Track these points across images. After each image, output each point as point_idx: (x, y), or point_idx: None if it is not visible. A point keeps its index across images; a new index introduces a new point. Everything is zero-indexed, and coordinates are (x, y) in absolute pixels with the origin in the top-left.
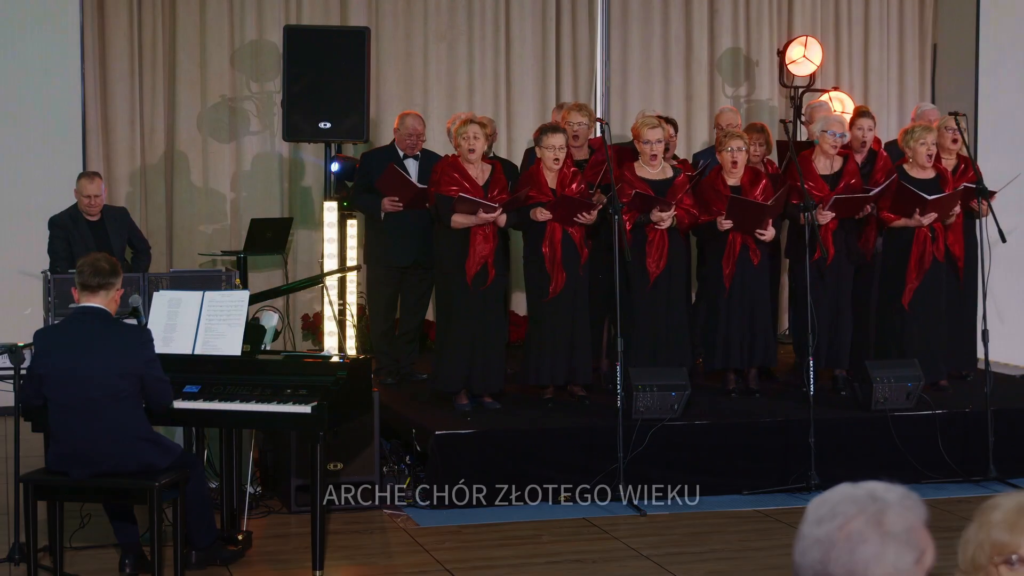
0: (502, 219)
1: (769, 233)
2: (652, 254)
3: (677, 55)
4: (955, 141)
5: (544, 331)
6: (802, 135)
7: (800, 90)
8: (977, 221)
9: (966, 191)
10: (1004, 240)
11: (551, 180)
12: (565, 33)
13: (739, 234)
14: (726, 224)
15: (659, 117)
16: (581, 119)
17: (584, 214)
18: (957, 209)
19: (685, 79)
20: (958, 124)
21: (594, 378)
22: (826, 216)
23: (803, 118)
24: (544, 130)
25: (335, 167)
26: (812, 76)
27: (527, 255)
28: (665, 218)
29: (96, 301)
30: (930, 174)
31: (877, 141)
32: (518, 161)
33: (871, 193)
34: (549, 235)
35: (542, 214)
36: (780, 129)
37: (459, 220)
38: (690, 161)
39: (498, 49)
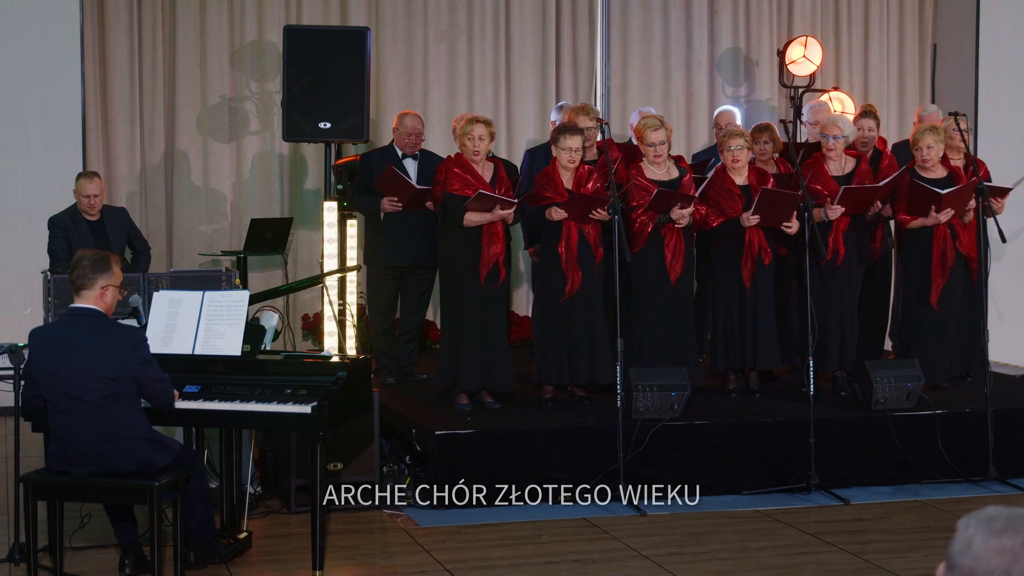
0: (511, 216)
1: (795, 226)
2: (670, 256)
3: (677, 55)
4: (961, 141)
5: (561, 331)
6: (802, 135)
7: (800, 90)
8: (982, 221)
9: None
10: (1004, 240)
11: (567, 180)
12: (565, 33)
13: (755, 235)
14: (753, 219)
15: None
16: (588, 122)
17: (599, 210)
18: (972, 204)
19: (685, 79)
20: (958, 124)
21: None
22: (836, 210)
23: (803, 118)
24: (562, 131)
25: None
26: (812, 76)
27: (543, 255)
28: (685, 215)
29: (83, 301)
30: (942, 173)
31: (882, 141)
32: (518, 161)
33: (880, 184)
34: (565, 235)
35: (557, 213)
36: (780, 129)
37: (472, 218)
38: (689, 161)
39: (498, 49)
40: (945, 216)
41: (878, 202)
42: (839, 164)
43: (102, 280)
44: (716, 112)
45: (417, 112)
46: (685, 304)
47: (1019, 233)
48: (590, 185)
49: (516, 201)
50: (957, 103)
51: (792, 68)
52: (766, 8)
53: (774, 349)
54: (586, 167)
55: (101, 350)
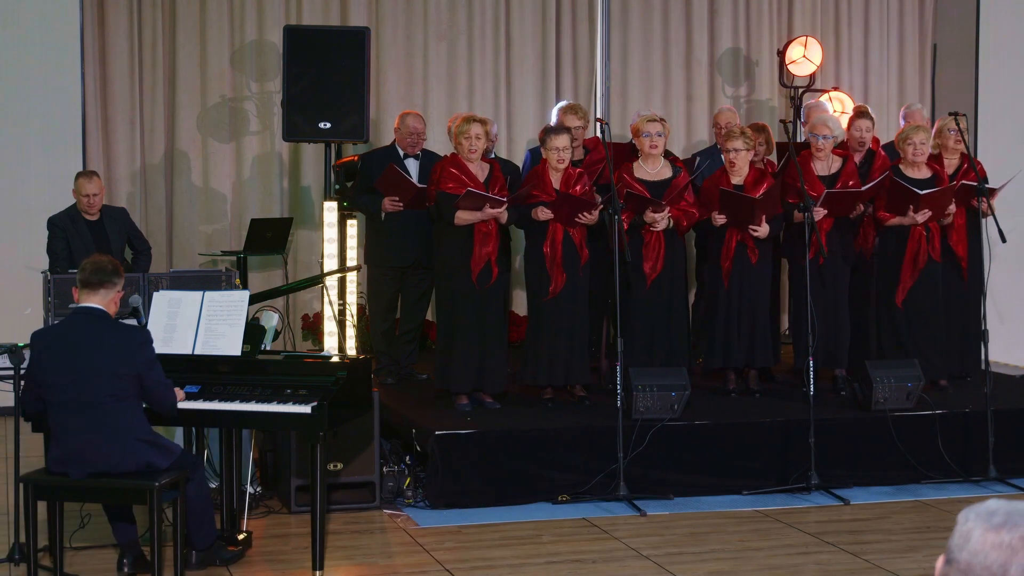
0: (504, 215)
1: (763, 229)
2: (649, 256)
3: (677, 55)
4: (957, 141)
5: (544, 332)
6: (802, 135)
7: (800, 90)
8: (982, 220)
9: (967, 189)
10: (1004, 240)
11: (556, 180)
12: (565, 33)
13: (736, 232)
14: (720, 219)
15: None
16: (577, 121)
17: (585, 214)
18: (953, 208)
19: (685, 79)
20: (958, 124)
21: (594, 378)
22: (819, 212)
23: (803, 118)
24: (548, 131)
25: None
26: (812, 76)
27: (528, 254)
28: (659, 219)
29: (95, 301)
30: (925, 174)
31: (876, 141)
32: (518, 161)
33: (862, 188)
34: (551, 235)
35: (543, 213)
36: (780, 129)
37: (463, 216)
38: (688, 160)
39: (498, 49)
40: (922, 217)
41: (861, 205)
42: (826, 164)
43: (120, 284)
44: (716, 112)
45: (418, 112)
46: (672, 304)
47: (1019, 233)
48: (578, 188)
49: (506, 200)
50: (957, 103)
51: (792, 68)
52: (766, 8)
53: (763, 348)
54: (576, 170)
55: (108, 348)
